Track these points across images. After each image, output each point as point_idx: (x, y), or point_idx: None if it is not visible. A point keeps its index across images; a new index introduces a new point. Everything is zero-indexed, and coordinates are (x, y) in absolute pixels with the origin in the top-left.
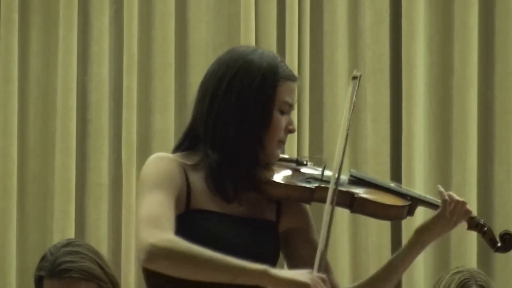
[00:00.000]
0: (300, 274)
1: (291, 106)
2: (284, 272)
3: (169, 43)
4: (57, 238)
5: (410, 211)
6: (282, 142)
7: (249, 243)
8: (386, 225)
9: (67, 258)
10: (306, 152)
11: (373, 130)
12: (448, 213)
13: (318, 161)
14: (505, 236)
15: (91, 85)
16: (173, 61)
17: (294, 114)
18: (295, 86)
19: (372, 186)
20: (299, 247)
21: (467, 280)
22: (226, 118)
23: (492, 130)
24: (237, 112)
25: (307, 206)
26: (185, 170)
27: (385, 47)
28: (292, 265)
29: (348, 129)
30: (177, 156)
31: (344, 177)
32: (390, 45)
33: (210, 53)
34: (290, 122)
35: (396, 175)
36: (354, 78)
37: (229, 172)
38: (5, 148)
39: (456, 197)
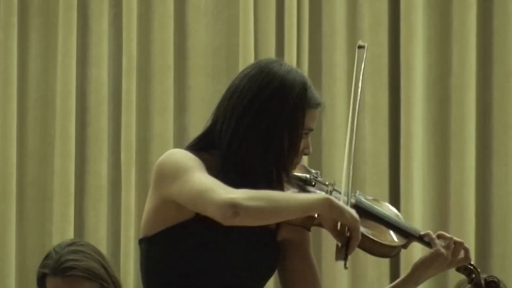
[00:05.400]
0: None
1: (311, 131)
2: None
3: (168, 46)
4: (56, 240)
5: (405, 247)
6: (297, 164)
7: (253, 252)
8: None
9: (71, 257)
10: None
11: (371, 131)
12: (449, 254)
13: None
14: (491, 283)
15: (90, 88)
16: (172, 63)
17: None
18: (319, 112)
19: (373, 218)
20: (294, 260)
21: None
22: (253, 143)
23: (490, 131)
24: (265, 138)
25: None
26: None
27: (383, 48)
28: (283, 276)
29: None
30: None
31: None
32: (388, 47)
33: (209, 55)
34: (306, 146)
35: (394, 175)
36: (360, 47)
37: None
38: (4, 151)
39: (454, 238)
